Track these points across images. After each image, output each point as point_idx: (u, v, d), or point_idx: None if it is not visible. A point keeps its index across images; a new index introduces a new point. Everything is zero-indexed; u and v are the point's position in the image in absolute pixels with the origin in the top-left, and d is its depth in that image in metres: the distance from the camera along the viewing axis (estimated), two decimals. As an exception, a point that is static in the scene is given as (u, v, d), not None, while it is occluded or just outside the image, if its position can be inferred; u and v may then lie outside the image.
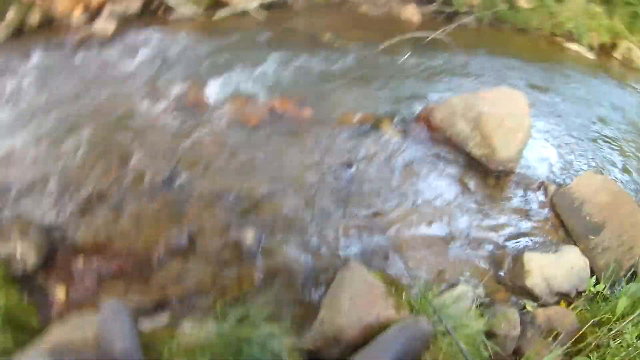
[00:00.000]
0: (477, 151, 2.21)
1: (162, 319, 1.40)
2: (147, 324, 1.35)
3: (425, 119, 2.37)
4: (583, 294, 1.80)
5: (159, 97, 2.32)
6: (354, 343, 1.24)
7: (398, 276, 1.60)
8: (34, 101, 2.27)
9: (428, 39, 2.98)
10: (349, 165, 2.03)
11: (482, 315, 1.44)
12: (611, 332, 1.49)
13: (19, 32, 2.78)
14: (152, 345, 1.25)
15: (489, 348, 1.37)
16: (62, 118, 2.18)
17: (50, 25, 2.86)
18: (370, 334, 1.23)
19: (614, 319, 1.54)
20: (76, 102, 2.28)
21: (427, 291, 1.40)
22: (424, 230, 1.84)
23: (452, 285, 1.59)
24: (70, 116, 2.19)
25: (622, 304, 1.56)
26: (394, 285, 1.41)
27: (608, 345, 1.44)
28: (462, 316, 1.35)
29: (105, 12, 2.92)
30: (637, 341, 1.38)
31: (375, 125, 2.29)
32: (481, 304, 1.57)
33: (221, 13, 3.14)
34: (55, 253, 1.67)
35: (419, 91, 2.62)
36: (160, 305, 1.50)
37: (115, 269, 1.60)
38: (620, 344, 1.41)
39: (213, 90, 2.39)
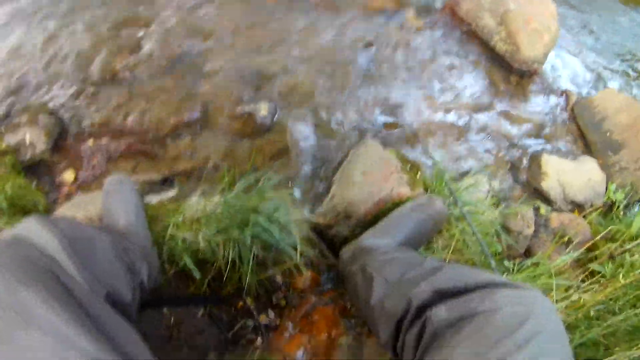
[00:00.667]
0: (501, 47, 2.08)
1: (170, 193, 1.35)
2: (154, 198, 1.30)
3: (450, 9, 2.22)
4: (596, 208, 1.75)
5: None
6: (365, 220, 1.19)
7: (414, 157, 1.53)
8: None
9: None
10: (370, 47, 1.90)
11: (496, 207, 1.38)
12: (625, 248, 1.42)
13: None
14: (159, 218, 1.20)
15: (502, 240, 1.31)
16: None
17: None
18: (382, 211, 1.17)
19: (628, 237, 1.48)
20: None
21: (444, 172, 1.33)
22: (441, 117, 1.75)
23: (468, 174, 1.51)
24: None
25: (638, 223, 1.51)
26: (409, 164, 1.34)
27: (622, 258, 1.37)
28: (478, 203, 1.29)
29: None
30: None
31: (399, 10, 2.13)
32: (495, 198, 1.51)
33: None
34: (65, 137, 1.60)
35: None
36: (169, 180, 1.44)
37: (124, 148, 1.53)
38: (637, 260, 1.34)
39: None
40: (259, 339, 1.19)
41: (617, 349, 0.99)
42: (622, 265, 1.30)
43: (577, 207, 1.74)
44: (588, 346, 1.05)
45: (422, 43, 2.00)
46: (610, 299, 1.09)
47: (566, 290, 1.15)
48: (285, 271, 1.21)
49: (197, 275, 1.12)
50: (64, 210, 1.30)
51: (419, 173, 1.30)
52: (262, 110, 1.58)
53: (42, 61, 1.80)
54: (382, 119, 1.68)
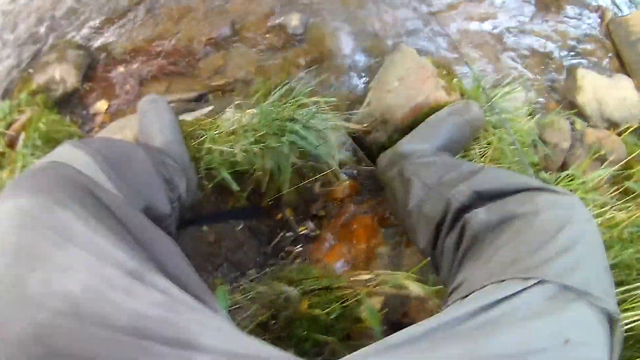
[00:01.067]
0: None
1: (205, 109, 1.34)
2: (188, 116, 1.30)
3: None
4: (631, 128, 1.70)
5: None
6: (403, 125, 1.18)
7: (451, 64, 1.49)
8: None
9: None
10: None
11: (533, 116, 1.34)
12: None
13: None
14: (195, 134, 1.20)
15: (539, 151, 1.29)
16: None
17: None
18: (419, 116, 1.15)
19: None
20: None
21: (481, 78, 1.28)
22: (478, 25, 1.71)
23: (504, 82, 1.47)
24: None
25: None
26: (445, 69, 1.30)
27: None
28: (515, 111, 1.26)
29: None
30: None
31: None
32: (531, 108, 1.46)
33: None
34: (95, 67, 1.60)
35: None
36: (203, 97, 1.45)
37: (156, 70, 1.53)
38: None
39: None
40: (299, 250, 1.20)
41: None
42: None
43: (613, 125, 1.70)
44: (621, 268, 1.03)
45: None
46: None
47: (601, 207, 1.12)
48: (324, 180, 1.21)
49: (235, 187, 1.13)
50: (102, 135, 1.32)
51: (456, 79, 1.26)
52: (294, 20, 1.55)
53: None
54: (417, 26, 1.63)
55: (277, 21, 1.57)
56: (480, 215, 0.72)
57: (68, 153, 0.65)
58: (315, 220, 1.23)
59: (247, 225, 1.22)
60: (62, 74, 1.59)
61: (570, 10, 1.96)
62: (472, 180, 0.81)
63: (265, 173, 1.12)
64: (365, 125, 1.22)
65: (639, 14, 2.05)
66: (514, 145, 1.13)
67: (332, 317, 0.97)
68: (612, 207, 1.19)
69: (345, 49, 1.53)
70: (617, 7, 2.10)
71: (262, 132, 1.11)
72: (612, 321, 0.54)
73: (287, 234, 1.22)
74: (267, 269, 1.21)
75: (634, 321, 0.86)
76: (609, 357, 0.52)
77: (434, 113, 1.14)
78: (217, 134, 1.17)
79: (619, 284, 1.01)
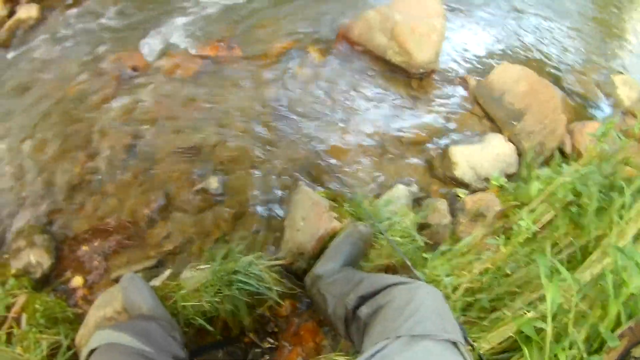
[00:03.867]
0: (397, 59, 2.74)
1: (166, 274, 2.00)
2: (157, 282, 2.02)
3: (344, 36, 2.89)
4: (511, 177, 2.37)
5: (100, 72, 2.84)
6: (314, 253, 1.86)
7: (340, 189, 2.23)
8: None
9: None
10: (284, 94, 2.63)
11: (413, 210, 2.12)
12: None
13: None
14: (166, 296, 1.83)
15: (419, 239, 1.97)
16: (15, 119, 2.70)
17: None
18: (324, 244, 1.84)
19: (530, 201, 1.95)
20: (22, 98, 2.80)
21: (362, 199, 2.02)
22: (357, 139, 2.45)
23: (389, 187, 2.21)
24: (20, 114, 2.71)
25: (535, 187, 1.95)
26: (336, 199, 2.04)
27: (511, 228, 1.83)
28: (396, 214, 2.01)
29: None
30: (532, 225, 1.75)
31: (299, 50, 2.83)
32: (417, 199, 2.17)
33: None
34: (61, 249, 2.22)
35: (336, 8, 3.14)
36: (161, 263, 2.11)
37: (114, 245, 2.17)
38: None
39: (147, 49, 2.90)
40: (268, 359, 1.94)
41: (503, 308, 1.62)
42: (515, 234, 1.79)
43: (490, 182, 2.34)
44: (485, 308, 1.68)
45: (326, 75, 2.69)
46: (499, 267, 1.74)
47: (470, 263, 1.82)
48: (270, 306, 1.89)
49: (209, 328, 1.82)
50: (94, 311, 1.87)
51: (345, 205, 1.99)
52: (213, 183, 2.26)
53: (10, 185, 2.43)
54: (308, 159, 2.36)
55: (199, 186, 2.27)
56: (363, 311, 1.36)
57: (114, 335, 1.25)
58: (272, 336, 1.89)
59: (226, 351, 1.88)
60: (37, 258, 2.16)
61: (437, 93, 2.67)
62: (357, 289, 1.45)
63: (227, 314, 1.82)
64: (288, 259, 1.90)
65: (499, 70, 2.78)
66: (392, 245, 1.90)
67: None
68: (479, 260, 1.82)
69: (259, 195, 2.22)
70: (480, 70, 2.88)
71: (217, 286, 1.85)
72: (455, 344, 1.08)
73: (257, 350, 1.91)
74: (249, 379, 1.92)
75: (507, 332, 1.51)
76: None
77: (333, 239, 1.85)
78: (184, 292, 1.90)
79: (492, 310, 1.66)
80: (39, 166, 2.49)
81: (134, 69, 2.82)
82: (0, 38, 3.12)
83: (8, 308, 2.05)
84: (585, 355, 1.39)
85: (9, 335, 1.99)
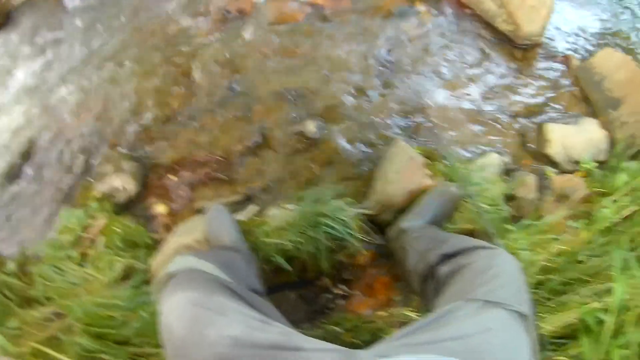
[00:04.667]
0: (504, 27, 2.70)
1: (252, 209, 2.07)
2: (242, 216, 2.08)
3: None
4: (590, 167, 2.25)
5: (204, 12, 2.92)
6: (401, 207, 1.88)
7: (436, 147, 2.23)
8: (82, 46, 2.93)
9: None
10: (389, 51, 2.62)
11: (503, 180, 2.10)
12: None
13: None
14: (249, 232, 1.89)
15: (504, 209, 1.97)
16: (114, 53, 2.82)
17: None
18: (413, 199, 1.87)
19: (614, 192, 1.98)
20: (120, 33, 2.93)
21: (457, 161, 2.03)
22: (458, 103, 2.43)
23: (483, 153, 2.22)
24: (121, 49, 2.83)
25: (622, 179, 2.01)
26: (431, 157, 2.06)
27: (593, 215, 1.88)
28: (486, 181, 1.99)
29: None
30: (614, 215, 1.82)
31: (409, 6, 2.82)
32: (508, 170, 2.17)
33: None
34: (148, 176, 2.31)
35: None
36: (248, 199, 2.17)
37: (203, 177, 2.25)
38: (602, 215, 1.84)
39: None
40: (338, 306, 1.98)
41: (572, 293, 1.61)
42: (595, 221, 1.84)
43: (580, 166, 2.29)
44: (555, 290, 1.68)
45: (433, 34, 2.66)
46: (573, 252, 1.72)
47: (548, 242, 1.79)
48: (350, 254, 1.93)
49: (287, 268, 1.85)
50: (174, 238, 1.97)
51: (440, 164, 2.00)
52: (311, 127, 2.30)
53: (107, 110, 2.55)
54: (407, 116, 2.37)
55: (297, 128, 2.31)
56: (444, 269, 1.37)
57: (196, 262, 1.28)
58: (347, 283, 1.93)
59: (298, 294, 1.94)
60: (123, 183, 2.27)
61: (539, 66, 2.62)
62: (442, 247, 1.46)
63: (308, 256, 1.86)
64: (375, 210, 1.93)
65: (601, 55, 2.70)
66: (480, 210, 1.90)
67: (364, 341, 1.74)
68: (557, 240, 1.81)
69: (355, 146, 2.26)
70: (583, 52, 2.82)
71: (303, 227, 1.89)
72: (524, 317, 1.07)
73: (328, 296, 1.96)
74: (316, 323, 1.97)
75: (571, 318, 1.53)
76: (526, 336, 1.02)
77: (423, 195, 1.86)
78: (268, 229, 1.95)
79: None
80: (138, 95, 2.60)
81: (240, 11, 2.86)
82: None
83: (86, 229, 2.16)
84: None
85: (84, 255, 2.09)
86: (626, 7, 3.09)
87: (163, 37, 2.82)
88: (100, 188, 2.30)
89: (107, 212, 2.21)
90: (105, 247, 2.08)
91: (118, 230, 2.12)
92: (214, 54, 2.67)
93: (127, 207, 2.29)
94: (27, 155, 2.58)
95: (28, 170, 2.53)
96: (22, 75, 2.94)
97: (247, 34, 2.75)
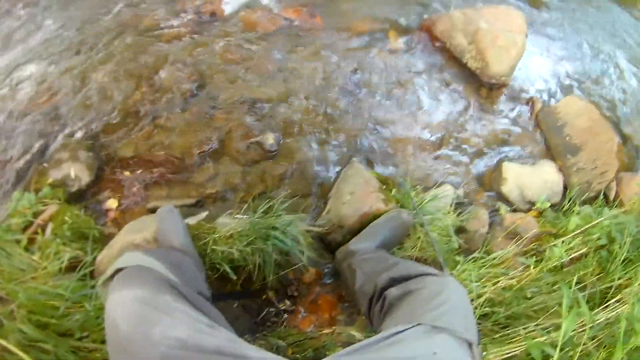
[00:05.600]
0: (472, 64, 2.79)
1: (203, 214, 2.04)
2: (192, 220, 2.06)
3: (427, 29, 2.95)
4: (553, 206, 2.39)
5: (178, 11, 2.94)
6: (353, 228, 1.90)
7: (391, 174, 2.27)
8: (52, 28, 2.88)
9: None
10: (356, 72, 2.67)
11: (456, 212, 2.14)
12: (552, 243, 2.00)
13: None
14: (198, 236, 1.87)
15: (456, 240, 2.01)
16: (84, 39, 2.78)
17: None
18: (365, 222, 1.88)
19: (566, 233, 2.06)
20: (96, 24, 2.89)
21: (411, 189, 2.05)
22: (418, 133, 2.49)
23: (438, 184, 2.25)
24: (92, 36, 2.79)
25: (574, 221, 2.09)
26: (386, 183, 2.07)
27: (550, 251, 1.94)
28: (438, 212, 2.04)
29: None
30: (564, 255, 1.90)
31: (381, 33, 2.88)
32: (460, 203, 2.21)
33: None
34: (103, 169, 2.26)
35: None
36: (199, 203, 2.16)
37: (157, 177, 2.22)
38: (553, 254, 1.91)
39: (229, 1, 2.96)
40: (280, 320, 1.97)
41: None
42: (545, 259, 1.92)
43: (534, 205, 2.41)
44: (499, 323, 1.74)
45: (401, 63, 2.73)
46: (521, 288, 1.79)
47: (496, 276, 1.85)
48: (296, 269, 1.93)
49: (233, 276, 1.84)
50: (123, 235, 1.93)
51: (394, 190, 2.04)
52: (269, 139, 2.31)
53: (68, 97, 2.50)
54: (367, 139, 2.40)
55: (256, 139, 2.31)
56: (393, 292, 1.38)
57: (145, 259, 1.25)
58: (291, 299, 1.92)
59: (241, 304, 1.92)
60: (77, 172, 2.22)
61: (503, 106, 2.70)
62: (391, 271, 1.49)
63: (254, 267, 1.86)
64: (326, 228, 1.94)
65: (565, 101, 2.83)
66: (431, 239, 1.93)
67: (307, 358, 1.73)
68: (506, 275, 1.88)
69: (312, 162, 2.27)
70: (548, 95, 2.89)
71: (252, 237, 1.88)
72: (470, 345, 1.11)
73: (271, 310, 1.94)
74: (258, 334, 1.96)
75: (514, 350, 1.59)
76: None
77: (375, 219, 1.87)
78: (217, 237, 1.94)
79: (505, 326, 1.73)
80: (102, 86, 2.57)
81: (212, 14, 2.89)
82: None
83: (36, 214, 2.10)
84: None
85: (31, 241, 2.03)
86: (598, 53, 3.20)
87: (135, 29, 2.83)
88: (55, 175, 2.25)
89: (59, 200, 2.17)
90: (53, 234, 2.03)
91: (68, 219, 2.07)
92: (182, 55, 2.68)
93: (78, 197, 2.24)
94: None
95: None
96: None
97: (218, 38, 2.77)
